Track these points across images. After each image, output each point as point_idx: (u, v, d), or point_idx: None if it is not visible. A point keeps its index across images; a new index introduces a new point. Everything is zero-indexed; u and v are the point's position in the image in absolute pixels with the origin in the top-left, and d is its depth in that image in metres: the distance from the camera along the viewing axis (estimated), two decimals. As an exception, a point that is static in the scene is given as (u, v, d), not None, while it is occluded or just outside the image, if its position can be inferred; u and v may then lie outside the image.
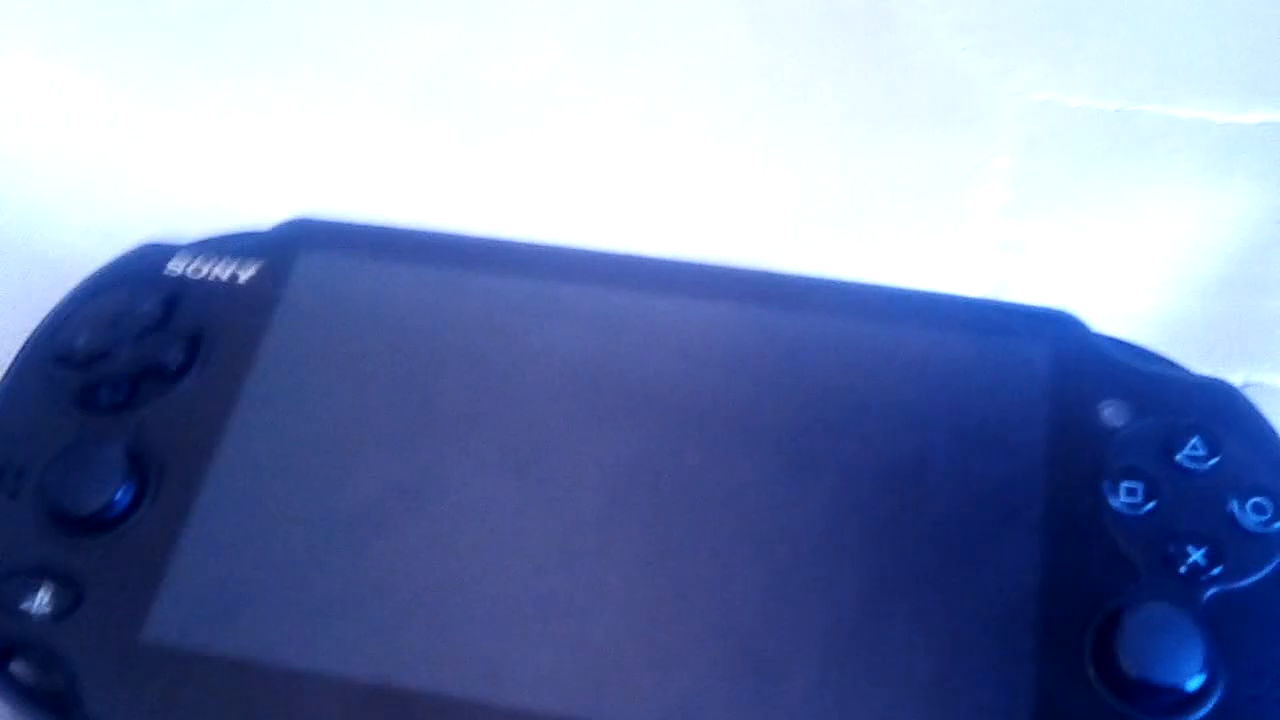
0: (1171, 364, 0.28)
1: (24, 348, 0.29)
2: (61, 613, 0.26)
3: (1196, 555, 0.25)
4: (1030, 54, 0.36)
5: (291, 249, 0.30)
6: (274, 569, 0.26)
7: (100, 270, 0.30)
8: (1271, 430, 0.27)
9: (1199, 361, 0.28)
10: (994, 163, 0.34)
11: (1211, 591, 0.25)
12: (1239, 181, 0.34)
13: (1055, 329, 0.28)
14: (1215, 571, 0.25)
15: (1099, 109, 0.35)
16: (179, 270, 0.29)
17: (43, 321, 0.29)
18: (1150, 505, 0.26)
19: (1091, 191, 0.34)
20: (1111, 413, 0.27)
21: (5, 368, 0.29)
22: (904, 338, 0.28)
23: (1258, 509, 0.26)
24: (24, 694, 0.26)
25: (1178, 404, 0.27)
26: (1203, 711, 0.24)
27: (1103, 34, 0.36)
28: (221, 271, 0.29)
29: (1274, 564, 0.25)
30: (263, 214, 0.30)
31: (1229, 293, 0.32)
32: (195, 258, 0.30)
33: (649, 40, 0.37)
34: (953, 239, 0.33)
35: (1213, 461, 0.26)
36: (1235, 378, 0.29)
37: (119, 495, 0.27)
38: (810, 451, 0.27)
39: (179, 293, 0.29)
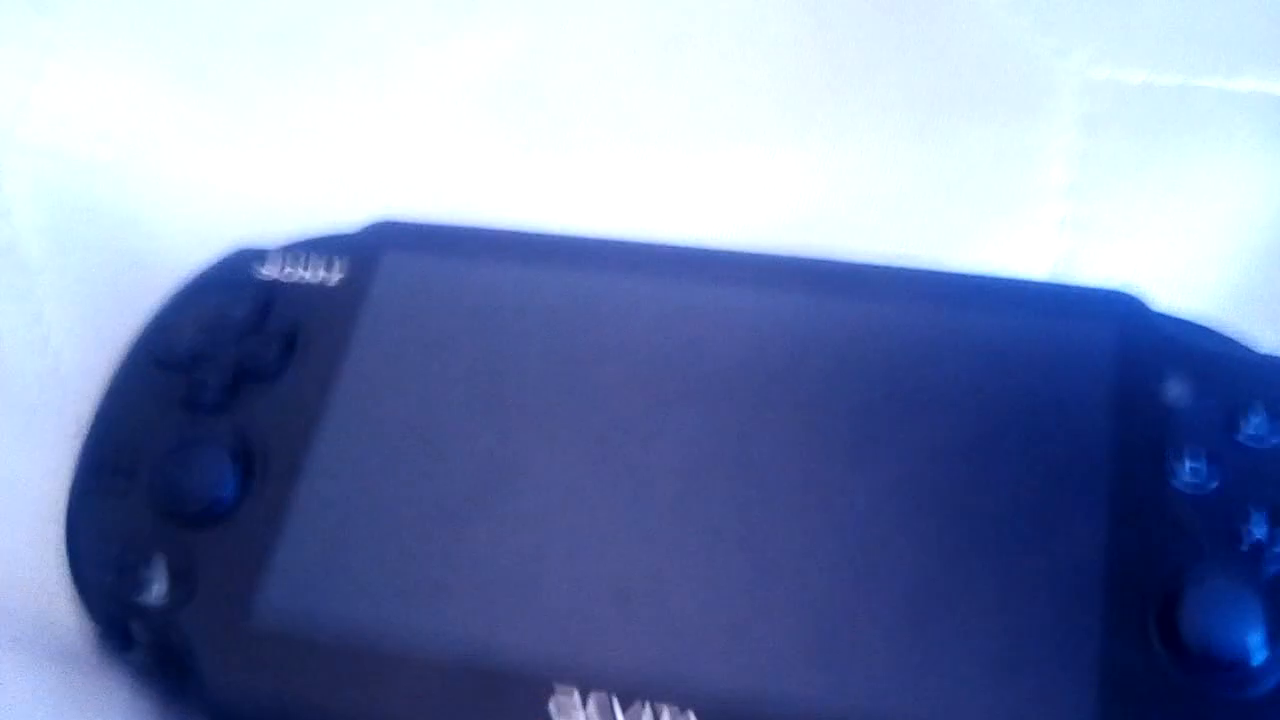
0: (1234, 341, 0.29)
1: (127, 353, 0.31)
2: (177, 601, 0.28)
3: (1260, 532, 0.26)
4: (1088, 31, 0.36)
5: (377, 249, 0.31)
6: (375, 552, 0.28)
7: (195, 275, 0.32)
8: (1337, 407, 0.28)
9: (1264, 336, 0.29)
10: (1055, 142, 0.35)
11: (1276, 568, 0.26)
12: None
13: (1117, 308, 0.29)
14: (1278, 548, 0.26)
15: (1159, 84, 0.35)
16: (271, 273, 0.31)
17: (143, 326, 0.31)
18: (1213, 483, 0.27)
19: (1153, 168, 0.34)
20: (1174, 391, 0.28)
21: (107, 370, 0.31)
22: (967, 321, 0.29)
23: None
24: (145, 676, 0.28)
25: (1240, 381, 0.28)
26: (1268, 685, 0.25)
27: (1161, 8, 0.37)
28: (312, 273, 0.31)
29: None
30: (347, 216, 0.32)
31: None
32: (286, 260, 0.31)
33: (708, 35, 0.38)
34: (1015, 221, 0.34)
35: (1276, 439, 0.27)
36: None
37: (225, 490, 0.29)
38: (879, 433, 0.28)
39: (272, 295, 0.31)
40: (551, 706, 0.26)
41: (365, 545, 0.28)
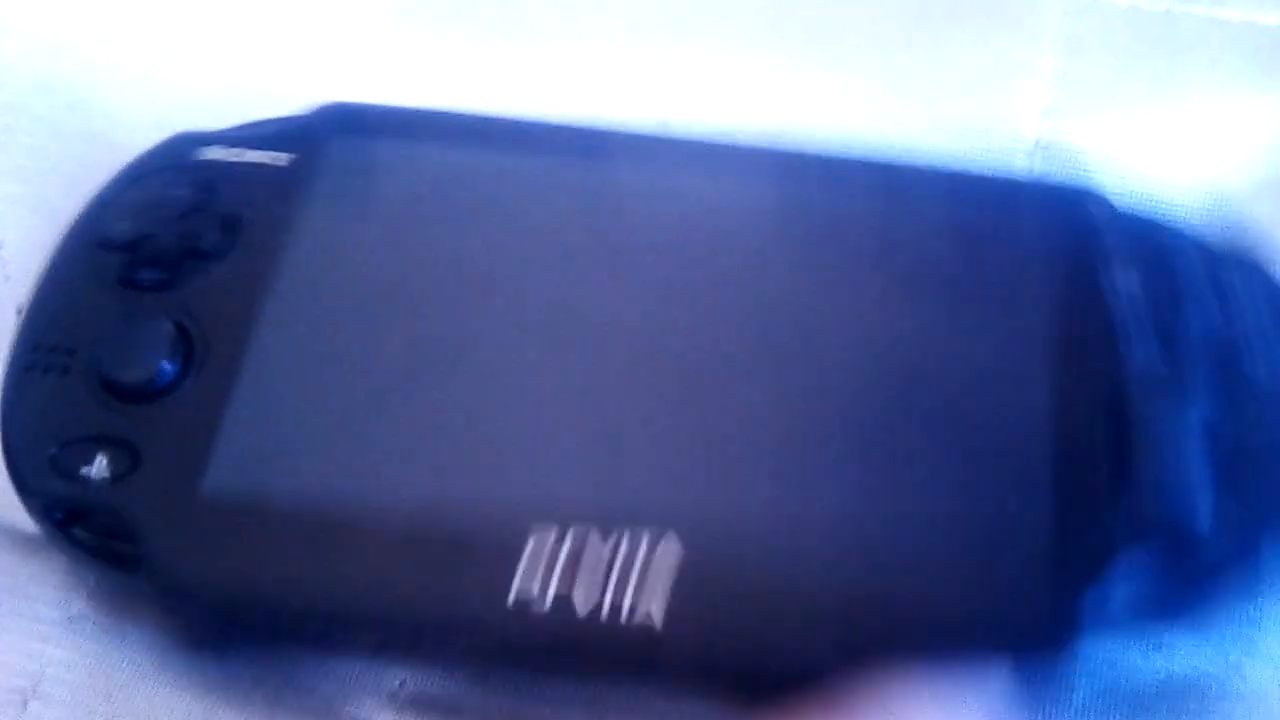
0: (1187, 235, 0.29)
1: (65, 235, 0.30)
2: (119, 475, 0.27)
3: (1210, 411, 0.27)
4: (1076, -50, 0.36)
5: (324, 133, 0.31)
6: (322, 423, 0.28)
7: (137, 159, 0.31)
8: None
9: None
10: (1037, 62, 0.35)
11: (1225, 445, 0.27)
12: None
13: (1078, 201, 0.29)
14: (1227, 423, 0.27)
15: (1146, 9, 0.35)
16: (215, 156, 0.31)
17: (83, 209, 0.31)
18: (1165, 365, 0.27)
19: (1135, 92, 0.34)
20: (1127, 278, 0.28)
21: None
22: (925, 207, 0.30)
23: (1268, 362, 0.27)
24: (90, 554, 0.28)
25: (1193, 269, 0.28)
26: (1217, 550, 0.26)
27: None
28: (257, 157, 0.31)
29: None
30: (292, 102, 0.32)
31: (1271, 196, 0.32)
32: (230, 145, 0.31)
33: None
34: (993, 138, 0.34)
35: (1228, 320, 0.28)
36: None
37: (168, 364, 0.28)
38: (839, 305, 0.29)
39: (216, 178, 0.30)
40: (527, 551, 0.26)
41: (318, 417, 0.28)
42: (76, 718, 0.29)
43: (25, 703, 0.29)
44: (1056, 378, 0.27)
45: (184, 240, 0.30)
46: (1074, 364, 0.27)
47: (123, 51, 0.35)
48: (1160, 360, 0.27)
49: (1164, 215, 0.30)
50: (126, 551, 0.27)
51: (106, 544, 0.28)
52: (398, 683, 0.28)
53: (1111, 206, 0.29)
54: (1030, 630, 0.25)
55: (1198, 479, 0.26)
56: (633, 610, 0.26)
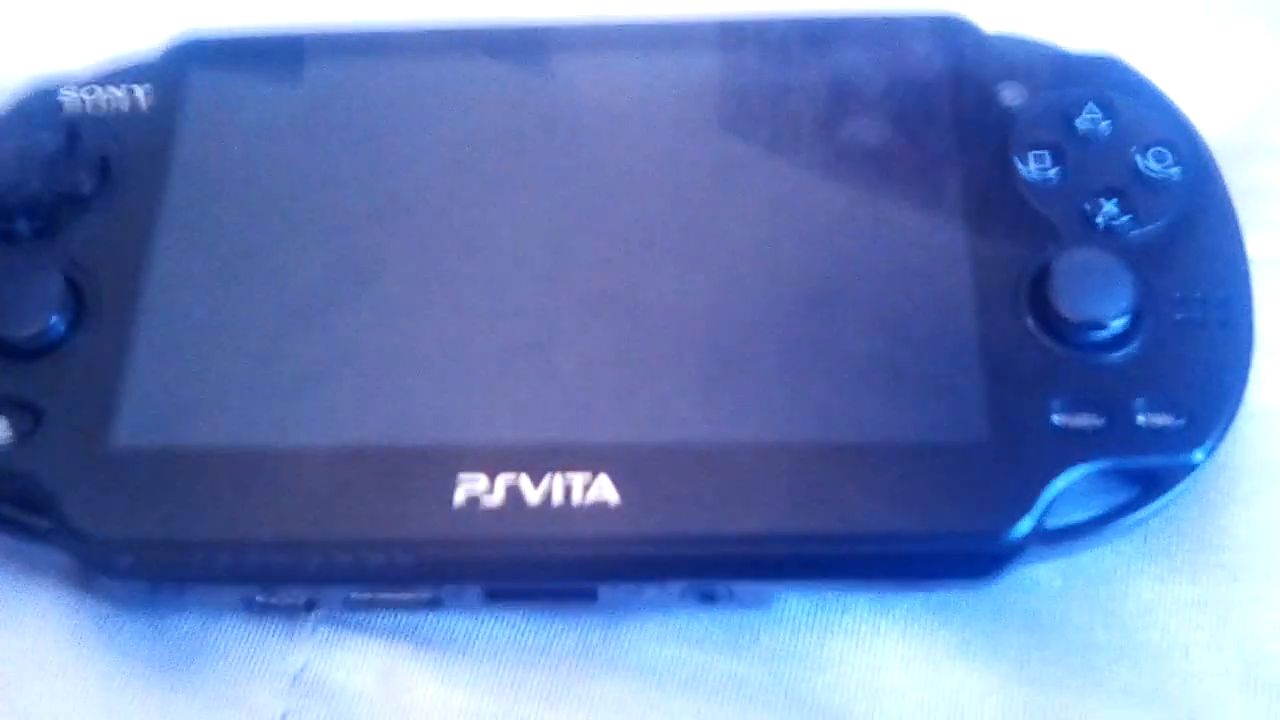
0: (1055, 48, 0.30)
1: None
2: (23, 436, 0.27)
3: (1110, 206, 0.28)
4: None
5: (182, 67, 0.30)
6: (223, 360, 0.27)
7: (-4, 111, 0.30)
8: (1157, 89, 0.30)
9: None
10: None
11: (1128, 236, 0.28)
12: None
13: (947, 29, 0.30)
14: (1128, 218, 0.28)
15: None
16: (75, 103, 0.30)
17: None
18: (1059, 170, 0.28)
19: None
20: (1010, 94, 0.29)
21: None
22: (812, 58, 0.30)
23: (1158, 157, 0.28)
24: (6, 524, 0.27)
25: (1069, 78, 0.30)
26: (1136, 343, 0.26)
27: None
28: (119, 98, 0.30)
29: (1180, 206, 0.28)
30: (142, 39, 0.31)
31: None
32: (89, 89, 0.30)
33: None
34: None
35: (1109, 123, 0.29)
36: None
37: (58, 316, 0.27)
38: (741, 175, 0.29)
39: (79, 124, 0.30)
40: (458, 494, 0.26)
41: (219, 353, 0.27)
42: None
43: None
44: (959, 207, 0.28)
45: (56, 188, 0.29)
46: (975, 189, 0.28)
47: None
48: (1053, 168, 0.28)
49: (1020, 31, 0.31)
50: (37, 516, 0.26)
51: (13, 510, 0.27)
52: (300, 665, 0.28)
53: (974, 29, 0.30)
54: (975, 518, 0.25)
55: (1113, 270, 0.27)
56: (585, 487, 0.26)
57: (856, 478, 0.26)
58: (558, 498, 0.26)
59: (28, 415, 0.27)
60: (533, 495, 0.26)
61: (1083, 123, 0.29)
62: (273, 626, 0.28)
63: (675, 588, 0.26)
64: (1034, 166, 0.28)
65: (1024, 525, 0.25)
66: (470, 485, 0.26)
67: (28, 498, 0.26)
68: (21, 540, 0.27)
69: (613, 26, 0.31)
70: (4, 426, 0.27)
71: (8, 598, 0.28)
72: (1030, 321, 0.27)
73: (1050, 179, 0.28)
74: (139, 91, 0.30)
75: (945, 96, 0.29)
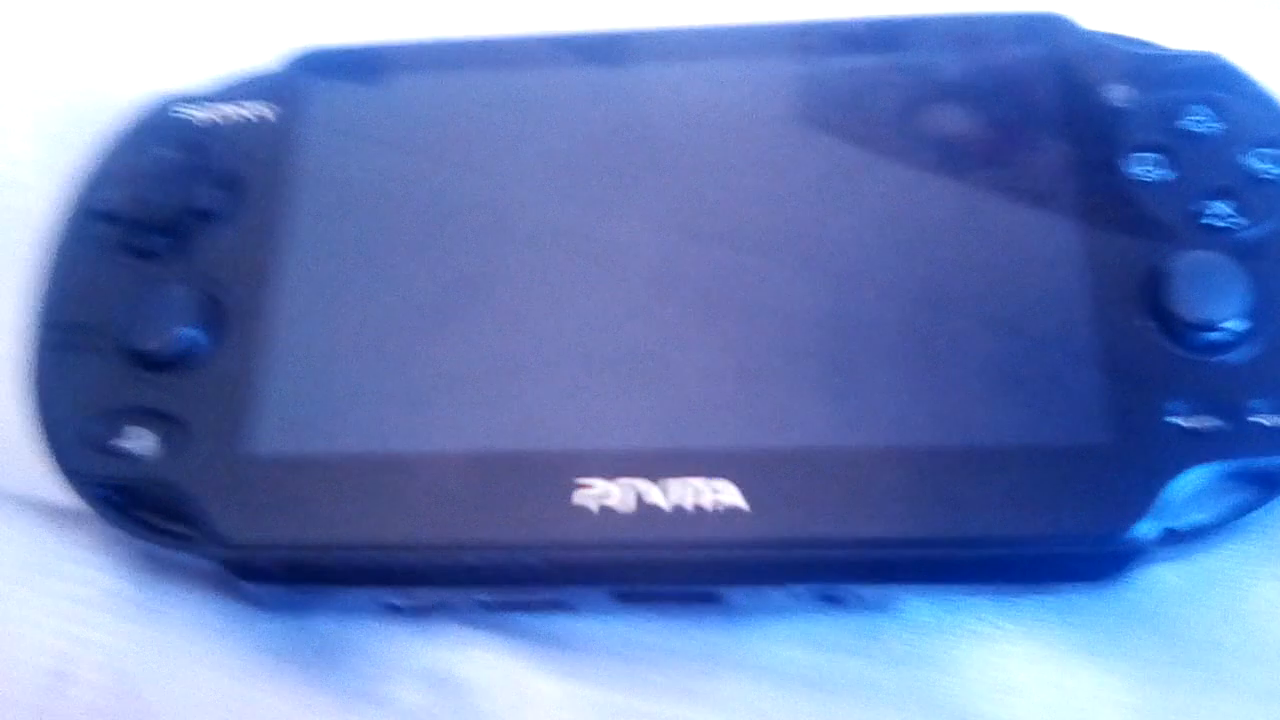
0: (1160, 46, 0.30)
1: (64, 212, 0.30)
2: (167, 447, 0.28)
3: (1221, 206, 0.28)
4: None
5: (303, 80, 0.31)
6: (354, 369, 0.28)
7: (122, 128, 0.31)
8: (1263, 88, 0.30)
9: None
10: None
11: (1240, 236, 0.28)
12: None
13: (1047, 27, 0.30)
14: (1240, 219, 0.28)
15: None
16: (201, 117, 0.31)
17: (77, 185, 0.30)
18: (1169, 170, 0.29)
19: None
20: (1117, 94, 0.30)
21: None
22: (915, 64, 0.31)
23: (1268, 157, 0.29)
24: (150, 530, 0.28)
25: (1175, 77, 0.30)
26: (1252, 343, 0.27)
27: None
28: (245, 112, 0.31)
29: None
30: (265, 55, 0.32)
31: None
32: (214, 103, 0.31)
33: None
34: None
35: (1218, 123, 0.29)
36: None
37: (196, 330, 0.28)
38: (853, 182, 0.29)
39: (206, 139, 0.30)
40: (585, 500, 0.26)
41: (352, 362, 0.28)
42: (111, 699, 0.28)
43: (57, 683, 0.28)
44: (1072, 210, 0.28)
45: (185, 203, 0.30)
46: (1086, 191, 0.28)
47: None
48: (1164, 167, 0.28)
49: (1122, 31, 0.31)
50: (181, 523, 0.27)
51: (158, 516, 0.28)
52: (432, 663, 0.29)
53: (1076, 28, 0.30)
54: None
55: (1229, 270, 0.27)
56: (708, 491, 0.26)
57: (978, 481, 0.26)
58: (683, 503, 0.26)
59: (171, 427, 0.28)
60: (659, 500, 0.26)
61: (1192, 122, 0.29)
62: (406, 626, 0.29)
63: (800, 591, 0.27)
64: (1144, 167, 0.29)
65: (1144, 526, 0.26)
66: (597, 491, 0.26)
67: (172, 506, 0.27)
68: (167, 547, 0.28)
69: (722, 32, 0.31)
70: (149, 438, 0.28)
71: (153, 599, 0.29)
72: (1147, 323, 0.27)
73: (1161, 179, 0.29)
74: (262, 106, 0.31)
75: (1052, 96, 0.30)
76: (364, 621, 0.29)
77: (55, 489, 0.28)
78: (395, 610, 0.29)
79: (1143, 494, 0.26)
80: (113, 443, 0.28)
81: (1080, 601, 0.28)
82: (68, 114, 0.33)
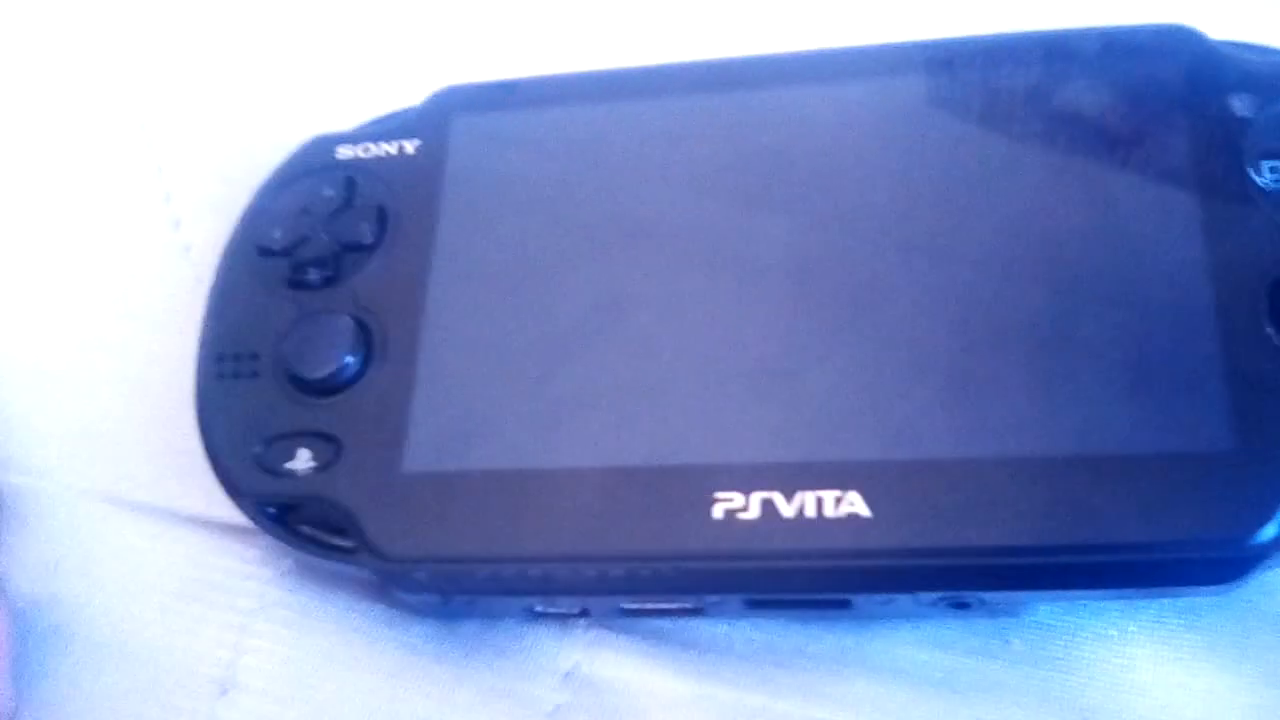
0: None
1: (226, 248, 0.33)
2: (325, 465, 0.30)
3: None
4: None
5: (445, 116, 0.33)
6: (500, 388, 0.30)
7: (279, 167, 0.33)
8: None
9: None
10: None
11: None
12: None
13: (1176, 39, 0.31)
14: None
15: None
16: (351, 154, 0.33)
17: (238, 221, 0.33)
18: None
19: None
20: (1242, 104, 0.30)
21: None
22: (1041, 76, 0.31)
23: None
24: (312, 543, 0.30)
25: None
26: None
27: None
28: (390, 149, 0.33)
29: None
30: (406, 94, 0.34)
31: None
32: (362, 141, 0.33)
33: None
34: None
35: None
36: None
37: (351, 356, 0.30)
38: (980, 195, 0.30)
39: (356, 175, 0.33)
40: (717, 511, 0.28)
41: (498, 383, 0.30)
42: (273, 704, 0.31)
43: (224, 691, 0.31)
44: (1198, 217, 0.28)
45: (340, 237, 0.32)
46: (1212, 199, 0.29)
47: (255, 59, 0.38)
48: None
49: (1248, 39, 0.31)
50: (339, 536, 0.29)
51: (318, 531, 0.30)
52: (572, 664, 0.30)
53: (1204, 38, 0.30)
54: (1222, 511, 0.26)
55: None
56: (838, 503, 0.27)
57: (1104, 488, 0.27)
58: (814, 514, 0.27)
59: (328, 446, 0.30)
60: (788, 511, 0.27)
61: None
62: (547, 628, 0.31)
63: (928, 598, 0.28)
64: (1269, 176, 0.29)
65: (1268, 530, 0.26)
66: (729, 502, 0.28)
67: (330, 520, 0.29)
68: (325, 559, 0.30)
69: (854, 53, 0.32)
70: (308, 457, 0.30)
71: (310, 605, 0.31)
72: (1272, 330, 0.27)
73: None
74: (407, 142, 0.33)
75: (1179, 108, 0.30)
76: (507, 624, 0.31)
77: (222, 508, 0.31)
78: (539, 616, 0.30)
79: (1267, 499, 0.26)
80: (276, 463, 0.30)
81: (1204, 604, 0.28)
82: (241, 157, 0.35)
